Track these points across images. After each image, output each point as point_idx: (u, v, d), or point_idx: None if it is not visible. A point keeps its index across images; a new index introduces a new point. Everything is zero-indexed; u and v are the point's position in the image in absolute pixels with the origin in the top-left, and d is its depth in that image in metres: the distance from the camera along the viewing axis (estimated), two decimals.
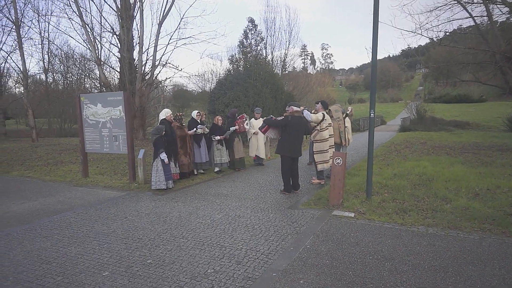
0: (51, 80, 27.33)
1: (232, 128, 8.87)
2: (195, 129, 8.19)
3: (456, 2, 11.31)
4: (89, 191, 7.34)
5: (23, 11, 19.57)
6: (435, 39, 12.71)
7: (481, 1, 11.20)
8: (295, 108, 6.63)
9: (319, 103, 7.57)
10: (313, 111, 7.65)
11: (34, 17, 27.23)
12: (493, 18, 11.73)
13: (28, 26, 21.24)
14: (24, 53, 18.84)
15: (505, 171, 7.75)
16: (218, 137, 8.62)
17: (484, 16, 11.76)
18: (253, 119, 9.98)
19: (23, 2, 19.12)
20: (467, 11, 11.61)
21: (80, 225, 5.10)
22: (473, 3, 11.40)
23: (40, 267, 3.69)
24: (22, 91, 20.09)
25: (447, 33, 13.47)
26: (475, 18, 11.90)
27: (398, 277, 3.26)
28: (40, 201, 6.62)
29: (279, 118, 6.84)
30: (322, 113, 7.10)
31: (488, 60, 12.11)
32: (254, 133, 9.61)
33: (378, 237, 4.26)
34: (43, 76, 26.39)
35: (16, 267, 3.72)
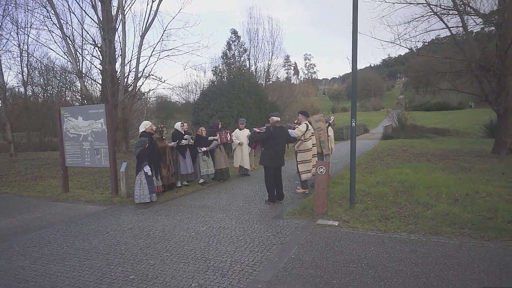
0: (30, 93, 26.78)
1: (210, 138, 8.83)
2: (177, 140, 8.14)
3: (432, 13, 11.70)
4: (70, 206, 7.17)
5: (1, 23, 19.04)
6: (413, 49, 13.09)
7: (456, 13, 11.62)
8: (275, 119, 6.67)
9: (300, 114, 7.59)
10: (295, 121, 7.72)
11: (12, 29, 26.65)
12: (468, 28, 12.17)
13: (6, 39, 20.74)
14: (2, 66, 18.46)
15: (483, 177, 7.97)
16: (204, 149, 8.58)
17: (459, 26, 12.19)
18: (237, 129, 10.00)
19: (1, 14, 18.76)
20: (443, 22, 12.01)
21: (60, 241, 4.96)
22: (448, 14, 11.80)
23: (17, 287, 3.56)
24: (0, 105, 19.58)
25: (425, 43, 13.89)
26: (451, 28, 12.31)
27: (381, 284, 3.29)
28: (18, 218, 6.41)
29: (262, 128, 6.87)
30: (305, 123, 7.13)
31: (465, 69, 12.48)
32: (239, 143, 9.62)
33: (362, 245, 4.30)
34: (22, 89, 25.84)
35: None
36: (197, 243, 4.63)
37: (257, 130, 7.00)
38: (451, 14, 11.81)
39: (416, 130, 26.71)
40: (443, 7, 11.60)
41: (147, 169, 6.76)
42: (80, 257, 4.33)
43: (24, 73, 23.77)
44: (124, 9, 16.99)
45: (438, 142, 19.48)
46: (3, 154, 19.46)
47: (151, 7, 21.30)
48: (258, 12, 43.73)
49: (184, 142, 8.22)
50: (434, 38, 15.09)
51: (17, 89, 27.07)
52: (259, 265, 3.84)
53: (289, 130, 6.99)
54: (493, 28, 11.82)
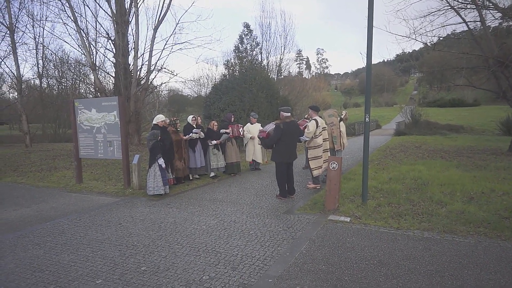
0: (45, 85, 27.20)
1: (222, 131, 8.81)
2: (191, 133, 8.16)
3: (449, 7, 11.42)
4: (83, 197, 7.27)
5: (18, 16, 19.31)
6: (429, 44, 12.82)
7: (474, 7, 11.31)
8: (285, 114, 6.50)
9: (310, 109, 7.48)
10: (306, 116, 7.62)
11: (28, 22, 27.10)
12: (486, 23, 11.83)
13: (22, 31, 21.06)
14: (18, 58, 18.71)
15: (499, 175, 7.79)
16: (214, 142, 8.59)
17: (477, 21, 11.86)
18: (248, 123, 9.97)
19: (18, 7, 19.04)
20: (460, 16, 11.70)
21: (74, 232, 5.03)
22: (466, 9, 11.50)
23: (32, 275, 3.63)
24: (16, 96, 19.93)
25: (441, 38, 13.54)
26: (468, 23, 11.97)
27: (394, 282, 3.25)
28: (33, 207, 6.54)
29: (268, 127, 6.66)
30: (315, 119, 7.00)
31: (482, 64, 12.18)
32: (250, 137, 9.60)
33: (374, 242, 4.25)
34: (37, 81, 26.24)
35: (8, 275, 3.66)
36: (208, 236, 4.65)
37: (261, 134, 6.70)
38: (468, 8, 11.50)
39: (429, 127, 26.36)
40: (460, 1, 11.31)
41: (161, 161, 6.82)
42: (93, 247, 4.39)
43: (39, 66, 24.16)
44: (138, 2, 17.03)
45: (452, 139, 19.14)
46: (19, 145, 19.84)
47: (164, 0, 21.30)
48: (270, 5, 43.51)
49: (194, 135, 8.23)
50: (450, 33, 14.76)
51: (32, 81, 27.55)
52: (270, 259, 3.84)
53: (304, 138, 6.86)
54: None
